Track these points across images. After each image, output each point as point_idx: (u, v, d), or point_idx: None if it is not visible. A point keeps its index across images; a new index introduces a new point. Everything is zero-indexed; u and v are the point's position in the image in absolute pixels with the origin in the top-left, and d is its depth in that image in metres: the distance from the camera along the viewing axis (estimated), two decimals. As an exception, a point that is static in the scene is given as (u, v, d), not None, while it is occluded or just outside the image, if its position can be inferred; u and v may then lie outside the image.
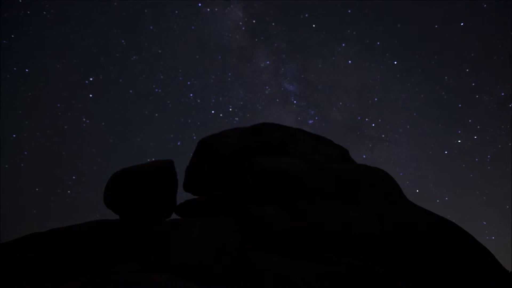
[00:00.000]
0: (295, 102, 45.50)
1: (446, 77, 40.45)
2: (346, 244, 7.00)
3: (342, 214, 7.57)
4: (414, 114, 43.31)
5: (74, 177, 36.54)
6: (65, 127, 37.90)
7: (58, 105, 37.54)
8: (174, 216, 10.66)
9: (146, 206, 9.36)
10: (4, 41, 33.35)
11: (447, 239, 7.15)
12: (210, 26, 44.95)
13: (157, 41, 44.27)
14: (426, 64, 42.00)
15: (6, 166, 33.25)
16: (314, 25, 43.46)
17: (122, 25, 41.68)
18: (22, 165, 34.51)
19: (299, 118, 45.85)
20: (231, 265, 5.49)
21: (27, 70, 35.63)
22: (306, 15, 42.76)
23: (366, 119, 44.45)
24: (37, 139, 36.23)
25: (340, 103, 45.51)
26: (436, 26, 39.18)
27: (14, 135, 34.52)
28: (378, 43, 42.19)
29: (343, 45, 44.05)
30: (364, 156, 43.19)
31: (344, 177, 8.71)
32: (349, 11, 41.57)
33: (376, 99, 44.13)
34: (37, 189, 34.30)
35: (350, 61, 44.59)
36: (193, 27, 44.07)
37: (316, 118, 45.29)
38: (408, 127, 43.22)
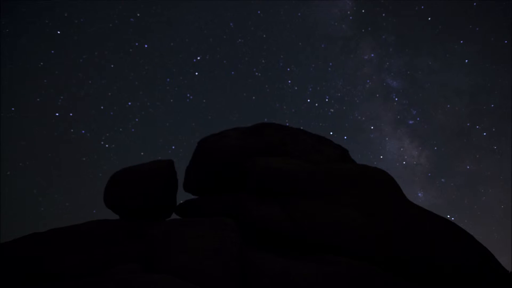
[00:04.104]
0: (396, 99, 41.66)
1: None
2: (346, 244, 7.00)
3: (342, 214, 7.57)
4: (538, 127, 38.06)
5: (173, 147, 40.08)
6: (171, 100, 41.60)
7: (168, 79, 41.16)
8: (174, 216, 10.65)
9: (146, 206, 9.36)
10: (132, 19, 38.42)
11: (447, 239, 7.15)
12: (317, 14, 43.36)
13: (263, 25, 44.80)
14: None
15: (120, 129, 37.79)
16: (429, 18, 38.81)
17: (232, 9, 43.10)
18: (132, 130, 38.66)
19: (398, 117, 42.58)
20: (231, 265, 5.49)
21: (146, 46, 40.05)
22: (422, 7, 38.17)
23: (477, 127, 39.03)
24: (147, 109, 40.40)
25: (448, 106, 40.22)
26: None
27: (129, 103, 39.02)
28: (506, 41, 36.62)
29: (461, 42, 38.73)
30: (468, 167, 38.86)
31: (344, 177, 8.71)
32: (474, 4, 36.57)
33: (492, 105, 38.53)
34: (142, 153, 38.47)
35: (467, 60, 39.22)
36: (299, 14, 42.90)
37: (418, 119, 40.83)
38: (527, 141, 38.36)
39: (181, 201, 10.66)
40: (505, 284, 6.54)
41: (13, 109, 33.83)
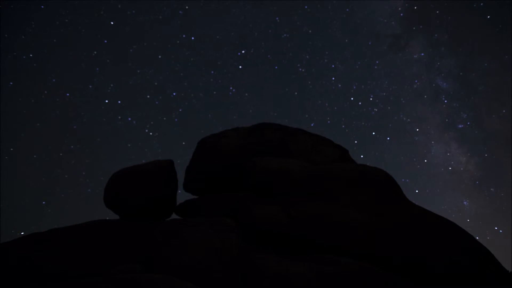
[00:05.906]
0: (446, 101, 39.26)
1: None
2: (346, 244, 7.00)
3: (342, 214, 7.57)
4: None
5: (210, 139, 40.29)
6: (214, 92, 42.66)
7: (212, 72, 42.23)
8: (174, 216, 10.66)
9: (146, 206, 9.36)
10: (180, 12, 40.20)
11: (447, 239, 7.15)
12: (365, 10, 42.47)
13: (309, 21, 44.28)
14: None
15: (164, 119, 39.48)
16: (488, 16, 35.80)
17: (278, 3, 43.07)
18: (176, 120, 40.12)
19: (446, 120, 39.91)
20: (231, 265, 5.49)
21: (193, 38, 41.64)
22: (481, 4, 35.37)
23: (531, 134, 36.99)
24: (191, 100, 41.82)
25: (504, 111, 37.06)
26: None
27: (174, 93, 40.60)
28: None
29: (521, 42, 36.35)
30: (515, 176, 36.64)
31: (344, 177, 8.71)
32: (540, 0, 34.10)
33: (550, 112, 36.56)
34: (183, 143, 40.02)
35: (525, 62, 36.75)
36: (347, 10, 42.43)
37: (468, 123, 38.33)
38: None
39: (181, 201, 10.67)
40: (505, 284, 6.54)
41: (68, 94, 36.09)
